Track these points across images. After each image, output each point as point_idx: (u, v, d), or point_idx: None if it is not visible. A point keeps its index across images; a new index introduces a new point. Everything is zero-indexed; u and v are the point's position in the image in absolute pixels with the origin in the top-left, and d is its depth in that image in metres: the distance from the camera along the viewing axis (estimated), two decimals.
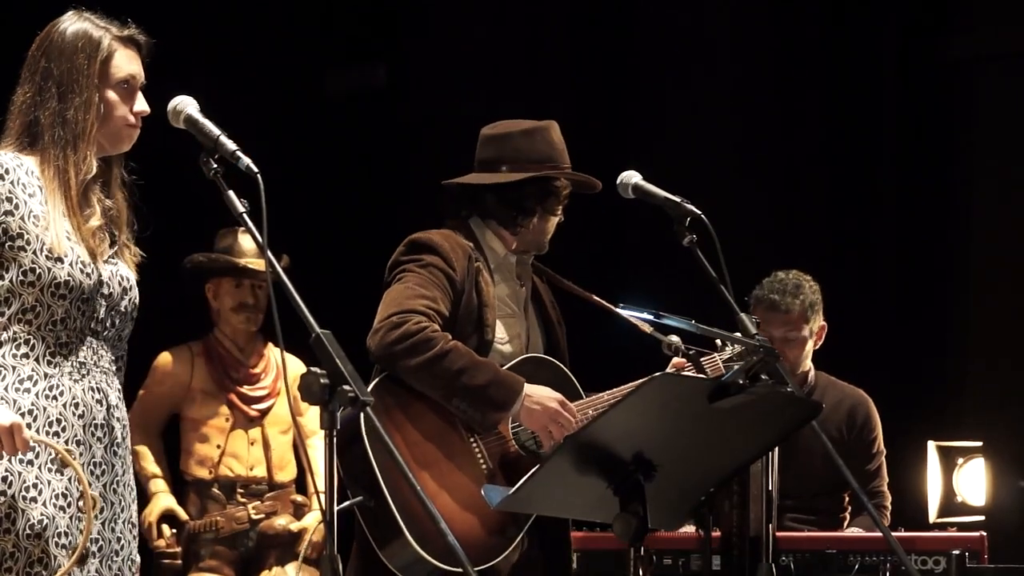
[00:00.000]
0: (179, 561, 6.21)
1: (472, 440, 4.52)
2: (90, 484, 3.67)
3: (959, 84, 7.30)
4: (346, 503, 4.24)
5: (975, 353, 7.14)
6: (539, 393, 4.50)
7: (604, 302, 4.72)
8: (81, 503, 3.64)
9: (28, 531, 3.58)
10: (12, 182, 3.67)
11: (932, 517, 6.21)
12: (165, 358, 6.28)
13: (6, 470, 3.59)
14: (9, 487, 3.59)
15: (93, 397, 3.71)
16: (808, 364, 5.93)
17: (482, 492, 4.45)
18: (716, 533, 5.08)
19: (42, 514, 3.60)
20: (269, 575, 6.25)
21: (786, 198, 7.40)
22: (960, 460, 6.22)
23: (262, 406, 6.30)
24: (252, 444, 6.27)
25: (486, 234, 4.74)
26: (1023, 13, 7.09)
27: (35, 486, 3.60)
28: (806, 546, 5.35)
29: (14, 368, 3.65)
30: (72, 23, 3.77)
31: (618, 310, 4.63)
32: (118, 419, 3.77)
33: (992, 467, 6.22)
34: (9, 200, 3.66)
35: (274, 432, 6.30)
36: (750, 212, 7.19)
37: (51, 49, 3.75)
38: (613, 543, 5.19)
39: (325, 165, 7.47)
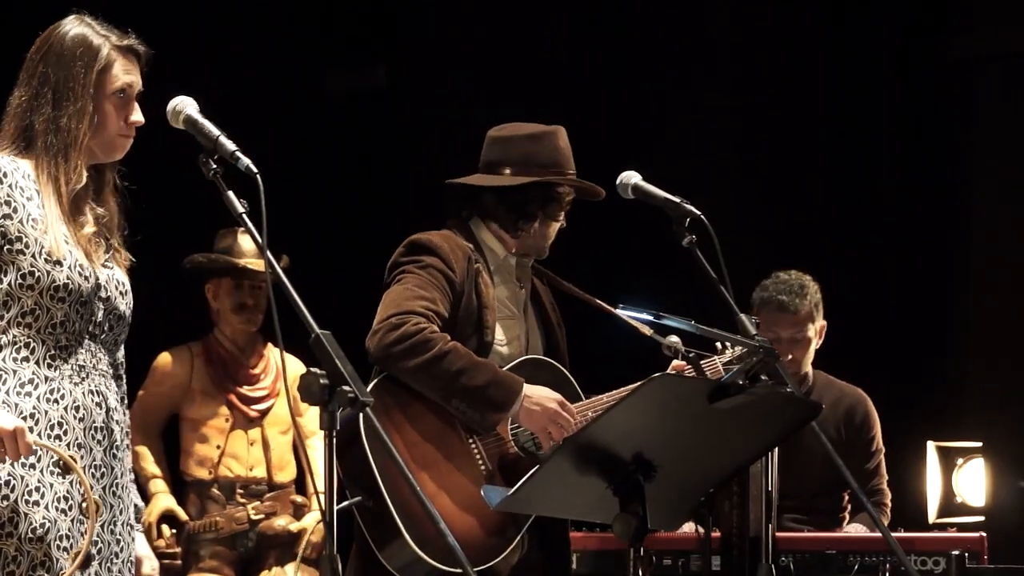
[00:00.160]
0: (179, 561, 6.21)
1: (471, 441, 4.52)
2: (91, 487, 3.67)
3: (959, 84, 7.30)
4: (345, 503, 4.24)
5: (975, 353, 7.14)
6: (538, 394, 4.50)
7: (604, 304, 4.72)
8: (83, 506, 3.64)
9: (30, 535, 3.58)
10: (11, 185, 3.67)
11: (932, 517, 6.21)
12: (165, 359, 6.28)
13: (8, 474, 3.58)
14: (12, 491, 3.58)
15: (93, 400, 3.71)
16: (808, 364, 5.93)
17: (482, 493, 4.45)
18: (716, 533, 5.08)
19: (44, 518, 3.60)
20: (269, 575, 6.25)
21: (786, 198, 7.40)
22: (960, 460, 6.22)
23: (262, 406, 6.30)
24: (252, 444, 6.27)
25: (486, 236, 4.74)
26: (1023, 13, 7.09)
27: (37, 490, 3.60)
28: (806, 546, 5.35)
29: (15, 372, 3.65)
30: (72, 28, 3.75)
31: (618, 311, 4.63)
32: (117, 422, 3.76)
33: (992, 467, 6.22)
34: (8, 203, 3.65)
35: (274, 432, 6.30)
36: (750, 212, 7.19)
37: (49, 54, 3.73)
38: (613, 543, 5.19)
39: (325, 165, 7.47)
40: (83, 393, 3.69)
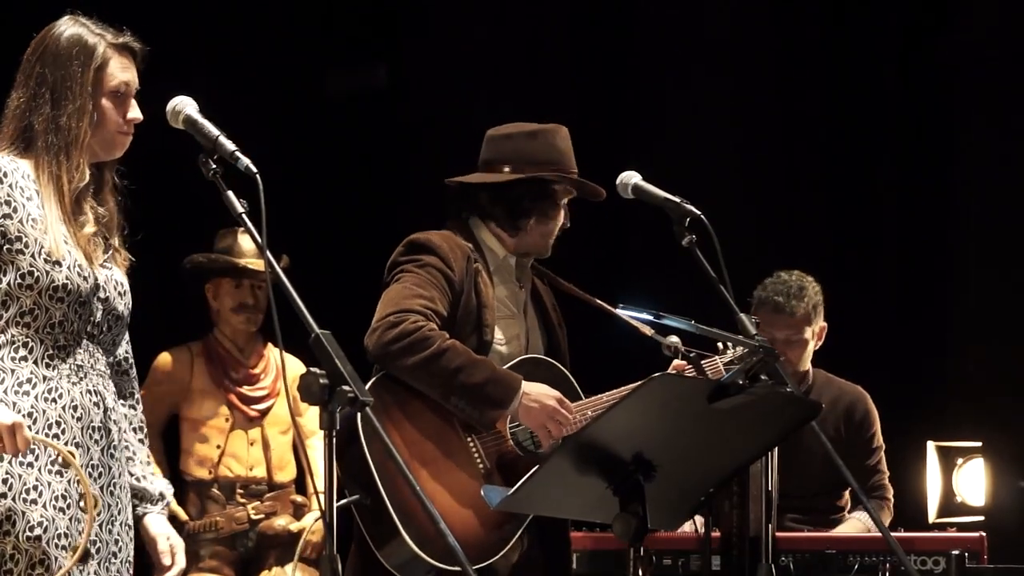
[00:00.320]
0: None
1: (469, 439, 4.52)
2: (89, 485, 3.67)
3: (959, 84, 7.29)
4: (343, 501, 4.24)
5: (975, 353, 7.14)
6: (537, 391, 4.50)
7: (604, 304, 4.72)
8: (81, 504, 3.64)
9: (28, 533, 3.58)
10: (11, 185, 3.67)
11: (932, 517, 6.22)
12: (165, 358, 6.28)
13: (6, 472, 3.59)
14: (9, 489, 3.58)
15: (91, 400, 3.71)
16: (807, 363, 5.93)
17: (482, 492, 4.45)
18: (716, 533, 5.08)
19: (42, 516, 3.60)
20: (269, 575, 6.25)
21: (786, 198, 7.40)
22: (960, 460, 6.23)
23: (262, 406, 6.30)
24: (252, 444, 6.27)
25: (486, 235, 4.74)
26: (1023, 13, 7.08)
27: (35, 488, 3.60)
28: (806, 546, 5.35)
29: (13, 371, 3.65)
30: (67, 28, 3.76)
31: (618, 311, 4.63)
32: (115, 422, 3.77)
33: (991, 467, 6.22)
34: (8, 203, 3.66)
35: (274, 432, 6.30)
36: (750, 212, 7.20)
37: (46, 54, 3.74)
38: (613, 543, 5.19)
39: (325, 165, 7.46)
40: (81, 393, 3.70)
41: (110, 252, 3.80)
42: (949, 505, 6.20)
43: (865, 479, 5.75)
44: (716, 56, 7.44)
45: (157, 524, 3.87)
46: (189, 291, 6.35)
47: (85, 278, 3.69)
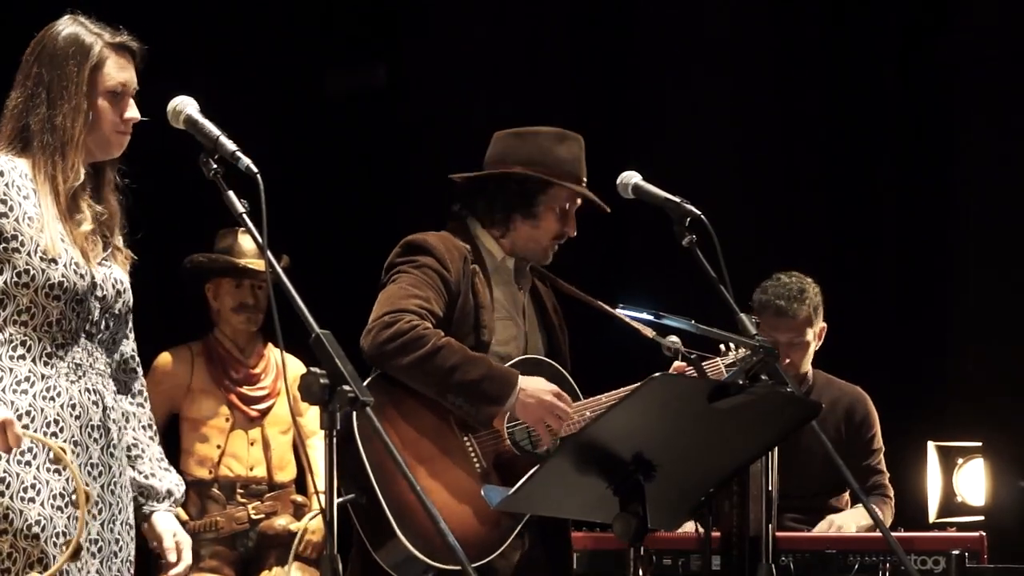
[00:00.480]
0: None
1: (466, 438, 4.52)
2: (87, 484, 3.67)
3: (960, 82, 7.30)
4: (338, 500, 4.24)
5: (975, 353, 7.14)
6: (534, 386, 4.50)
7: (605, 306, 4.72)
8: (74, 497, 3.64)
9: (26, 531, 3.59)
10: (7, 184, 3.68)
11: (932, 517, 6.22)
12: (165, 358, 6.28)
13: (3, 471, 3.59)
14: (7, 488, 3.59)
15: (89, 398, 3.72)
16: (807, 364, 5.93)
17: (482, 492, 4.45)
18: (716, 533, 5.08)
19: (39, 514, 3.60)
20: (269, 575, 6.25)
21: (786, 198, 7.40)
22: (960, 460, 6.23)
23: (262, 406, 6.30)
24: (252, 444, 6.27)
25: (484, 237, 4.74)
26: (1023, 13, 7.09)
27: (33, 486, 3.60)
28: (806, 546, 5.35)
29: (11, 370, 3.66)
30: (65, 28, 3.76)
31: (617, 311, 4.63)
32: (114, 420, 3.77)
33: (991, 467, 6.22)
34: (3, 202, 3.66)
35: (274, 432, 6.30)
36: (750, 212, 7.20)
37: (43, 54, 3.75)
38: (613, 543, 5.19)
39: (325, 165, 7.46)
40: (80, 391, 3.70)
41: (110, 250, 3.81)
42: (949, 505, 6.20)
43: (865, 479, 5.76)
44: (716, 56, 7.44)
45: (164, 521, 3.87)
46: (189, 291, 6.35)
47: (82, 276, 3.70)
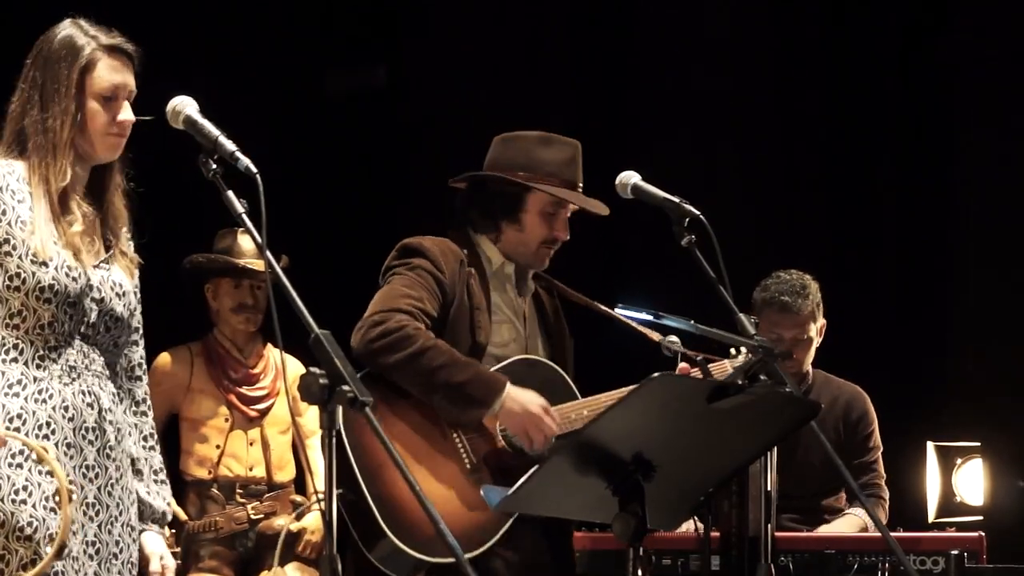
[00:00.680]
0: (178, 561, 6.21)
1: (455, 435, 4.52)
2: (82, 486, 3.67)
3: (960, 82, 7.30)
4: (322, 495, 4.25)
5: (974, 353, 7.14)
6: (523, 396, 4.50)
7: (608, 310, 4.71)
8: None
9: (18, 533, 3.59)
10: (1, 188, 3.68)
11: (931, 517, 6.21)
12: (164, 358, 6.27)
13: None
14: None
15: (84, 401, 3.71)
16: (809, 362, 5.94)
17: (481, 493, 4.46)
18: (715, 533, 5.08)
19: (32, 516, 3.60)
20: (268, 575, 6.25)
21: (786, 198, 7.40)
22: (959, 460, 6.23)
23: (261, 406, 6.29)
24: (251, 444, 6.26)
25: (482, 242, 4.76)
26: (1023, 13, 7.09)
27: (25, 488, 3.60)
28: (805, 546, 5.35)
29: (3, 373, 3.66)
30: (62, 31, 3.78)
31: (617, 311, 4.63)
32: (111, 422, 3.76)
33: (991, 467, 6.22)
34: None
35: (273, 432, 6.30)
36: (750, 212, 7.19)
37: (39, 58, 3.77)
38: (613, 543, 5.19)
39: (325, 165, 7.47)
40: (73, 393, 3.70)
41: (111, 253, 3.80)
42: (948, 505, 6.20)
43: (858, 478, 5.75)
44: (716, 56, 7.44)
45: (153, 543, 3.88)
46: (189, 291, 6.34)
47: (75, 279, 3.69)
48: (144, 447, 3.89)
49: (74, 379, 3.71)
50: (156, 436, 3.94)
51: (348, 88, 7.75)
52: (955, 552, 5.22)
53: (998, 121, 7.21)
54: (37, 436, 3.63)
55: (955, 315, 7.25)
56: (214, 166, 3.48)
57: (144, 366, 3.92)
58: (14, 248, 3.67)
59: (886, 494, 5.92)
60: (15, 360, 3.67)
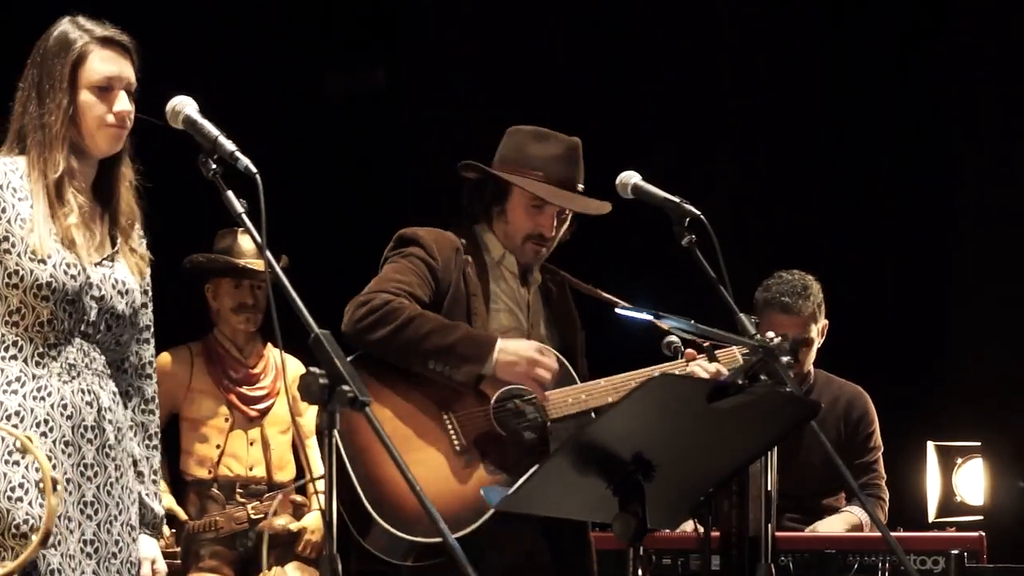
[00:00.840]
0: (179, 561, 6.21)
1: (446, 416, 4.52)
2: (80, 486, 3.67)
3: (959, 84, 7.30)
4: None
5: (974, 353, 7.14)
6: (514, 345, 4.52)
7: (616, 299, 4.71)
8: (68, 497, 3.64)
9: (14, 531, 3.59)
10: (2, 186, 3.69)
11: (931, 517, 6.21)
12: (164, 358, 6.27)
13: None
14: None
15: (83, 399, 3.71)
16: (810, 363, 5.94)
17: (481, 492, 4.45)
18: (715, 533, 5.08)
19: (27, 514, 3.60)
20: (268, 575, 6.25)
21: (786, 199, 7.40)
22: (959, 460, 6.23)
23: (261, 406, 6.30)
24: (251, 444, 6.27)
25: (483, 232, 4.77)
26: (1022, 14, 7.09)
27: (21, 486, 3.61)
28: (805, 546, 5.36)
29: (2, 370, 3.67)
30: (59, 29, 3.79)
31: (616, 311, 4.63)
32: (110, 421, 3.76)
33: (991, 467, 6.22)
34: None
35: (273, 432, 6.30)
36: (750, 212, 7.19)
37: (37, 55, 3.79)
38: (613, 543, 5.19)
39: (324, 166, 7.47)
40: (72, 391, 3.70)
41: (116, 250, 3.80)
42: (948, 505, 6.20)
43: (858, 477, 5.75)
44: (716, 56, 7.44)
45: (146, 547, 3.88)
46: (189, 291, 6.34)
47: (73, 276, 3.70)
48: (148, 446, 3.89)
49: (73, 377, 3.71)
50: (159, 435, 3.94)
51: (347, 89, 7.76)
52: (955, 552, 5.23)
53: (997, 123, 7.21)
54: (36, 434, 3.63)
55: (955, 315, 7.25)
56: (214, 166, 3.48)
57: (154, 364, 3.93)
58: (13, 246, 3.67)
59: (886, 495, 5.92)
60: (14, 357, 3.67)
